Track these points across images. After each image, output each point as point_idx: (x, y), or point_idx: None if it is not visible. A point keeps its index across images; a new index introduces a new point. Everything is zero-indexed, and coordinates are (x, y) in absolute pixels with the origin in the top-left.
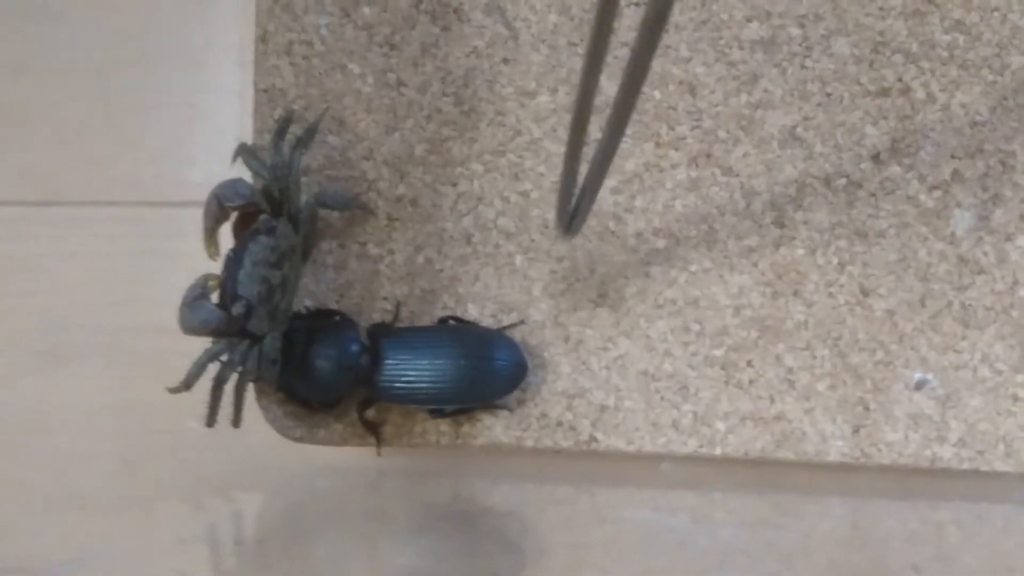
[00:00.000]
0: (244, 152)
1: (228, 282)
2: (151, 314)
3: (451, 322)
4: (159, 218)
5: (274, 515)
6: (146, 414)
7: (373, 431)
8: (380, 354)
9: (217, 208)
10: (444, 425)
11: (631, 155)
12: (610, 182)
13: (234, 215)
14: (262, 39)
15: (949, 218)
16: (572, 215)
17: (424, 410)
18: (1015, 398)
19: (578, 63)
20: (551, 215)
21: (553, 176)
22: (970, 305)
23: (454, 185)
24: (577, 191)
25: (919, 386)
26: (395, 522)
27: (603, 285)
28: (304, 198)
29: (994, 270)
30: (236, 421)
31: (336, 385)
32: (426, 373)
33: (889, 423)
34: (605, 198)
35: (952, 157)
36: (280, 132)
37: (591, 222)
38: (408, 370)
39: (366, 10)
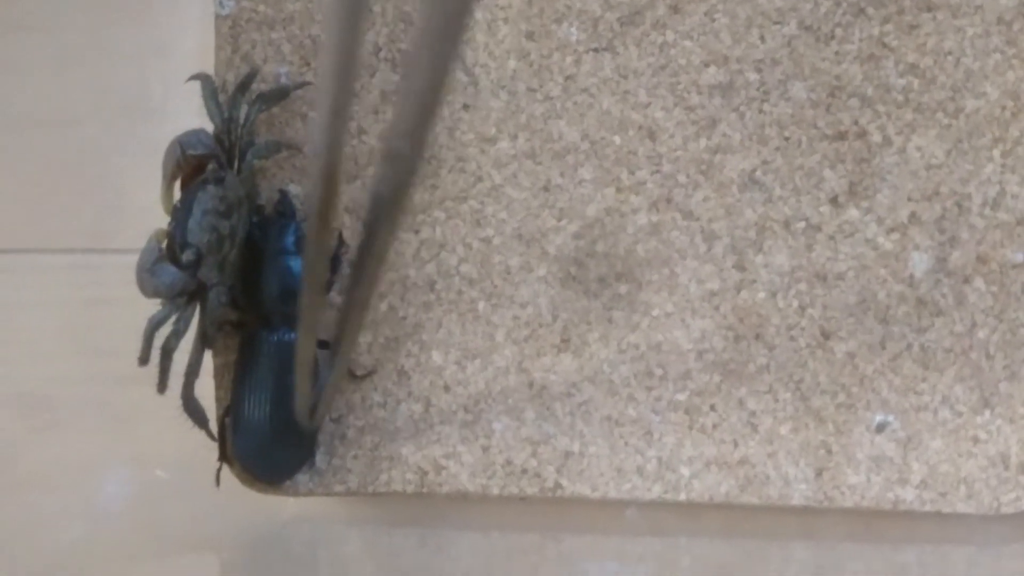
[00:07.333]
0: (205, 88)
1: (177, 231)
2: (113, 365)
3: None
4: (120, 265)
5: (241, 569)
6: (111, 466)
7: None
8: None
9: (180, 153)
10: (410, 473)
11: (592, 200)
12: (571, 227)
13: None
14: (221, 89)
15: (907, 260)
16: (312, 410)
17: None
18: (975, 440)
19: (538, 108)
20: (513, 261)
21: (515, 222)
22: (929, 347)
23: (416, 232)
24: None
25: (880, 428)
26: (363, 573)
27: (566, 331)
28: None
29: (953, 312)
30: (161, 387)
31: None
32: (267, 386)
33: (851, 466)
34: (567, 243)
35: (909, 200)
36: (242, 87)
37: (552, 267)
38: (272, 370)
39: None
